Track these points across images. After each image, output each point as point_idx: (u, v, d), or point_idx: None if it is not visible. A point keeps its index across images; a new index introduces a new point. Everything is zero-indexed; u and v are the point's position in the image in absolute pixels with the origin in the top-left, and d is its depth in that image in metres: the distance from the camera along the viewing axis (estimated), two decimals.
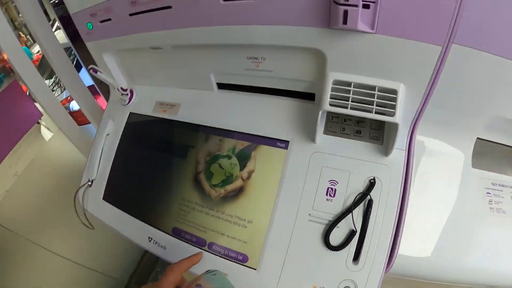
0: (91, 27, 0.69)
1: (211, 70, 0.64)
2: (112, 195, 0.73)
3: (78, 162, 1.10)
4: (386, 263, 0.51)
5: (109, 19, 0.64)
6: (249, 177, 0.57)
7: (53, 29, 1.13)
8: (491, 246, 0.56)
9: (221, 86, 0.66)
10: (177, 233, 0.63)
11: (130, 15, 0.60)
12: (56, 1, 1.04)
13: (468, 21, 0.43)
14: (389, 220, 0.51)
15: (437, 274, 0.56)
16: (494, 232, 0.57)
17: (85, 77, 1.09)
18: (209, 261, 0.58)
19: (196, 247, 0.60)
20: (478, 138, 0.60)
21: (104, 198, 0.74)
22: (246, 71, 0.58)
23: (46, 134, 1.43)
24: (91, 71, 0.74)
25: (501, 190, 0.62)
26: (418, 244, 0.55)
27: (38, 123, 1.37)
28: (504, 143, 0.64)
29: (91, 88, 1.09)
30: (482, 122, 0.56)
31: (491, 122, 0.56)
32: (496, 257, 0.56)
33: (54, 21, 2.36)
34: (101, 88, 1.08)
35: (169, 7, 0.55)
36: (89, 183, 0.77)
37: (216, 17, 0.53)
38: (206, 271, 0.47)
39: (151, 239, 0.65)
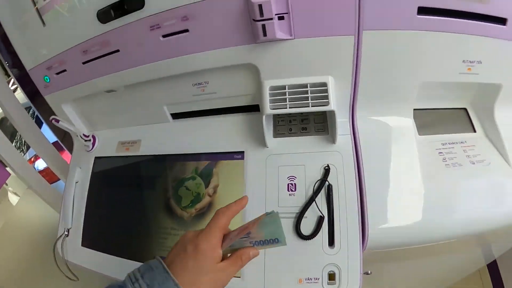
0: (48, 80, 0.74)
1: (163, 102, 0.69)
2: (91, 240, 0.75)
3: (50, 220, 1.09)
4: (361, 240, 0.55)
5: (64, 70, 0.69)
6: (215, 192, 0.61)
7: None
8: (460, 196, 0.61)
9: (176, 116, 0.72)
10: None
11: (83, 63, 0.66)
12: (9, 63, 1.06)
13: (370, 8, 0.51)
14: (352, 200, 0.57)
15: (422, 237, 0.60)
16: (457, 183, 0.62)
17: (48, 134, 1.10)
18: None
19: None
20: (416, 109, 0.66)
21: (83, 245, 0.75)
22: (193, 97, 0.65)
23: (13, 199, 1.41)
24: (53, 121, 0.77)
25: (452, 147, 0.69)
26: (392, 213, 0.59)
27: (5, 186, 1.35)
28: (441, 107, 0.71)
29: (55, 144, 1.10)
30: (413, 92, 0.62)
31: (422, 91, 0.63)
32: (468, 204, 0.61)
33: (8, 82, 2.34)
34: (64, 143, 1.09)
35: (117, 51, 0.61)
36: (66, 233, 0.78)
37: (158, 53, 0.59)
38: (264, 214, 0.43)
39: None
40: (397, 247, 0.60)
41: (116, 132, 0.78)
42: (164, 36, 0.57)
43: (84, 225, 0.76)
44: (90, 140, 0.81)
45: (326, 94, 0.55)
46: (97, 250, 0.72)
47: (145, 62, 0.61)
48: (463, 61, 0.60)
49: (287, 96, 0.56)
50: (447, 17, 0.54)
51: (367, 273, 0.79)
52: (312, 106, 0.55)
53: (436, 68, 0.60)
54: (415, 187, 0.60)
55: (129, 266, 0.68)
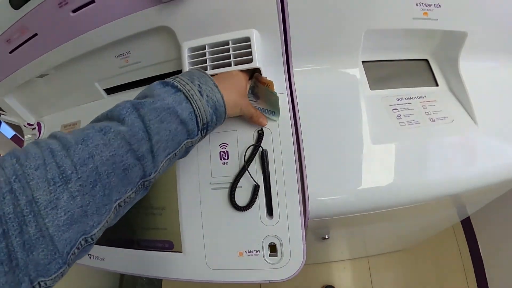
0: None
1: (93, 78, 0.67)
2: None
3: None
4: (302, 209, 0.52)
5: None
6: None
7: None
8: (414, 156, 0.56)
9: (109, 91, 0.70)
10: (108, 242, 0.64)
11: (10, 52, 0.65)
12: None
13: None
14: (290, 166, 0.53)
15: (367, 203, 0.55)
16: (413, 142, 0.57)
17: (5, 131, 1.11)
18: (142, 257, 0.60)
19: (127, 248, 0.61)
20: (368, 61, 0.61)
21: None
22: (120, 69, 0.62)
23: None
24: None
25: (409, 103, 0.63)
26: (337, 179, 0.54)
27: None
28: (398, 58, 0.66)
29: (14, 138, 1.10)
30: (358, 40, 0.57)
31: (369, 41, 0.58)
32: (423, 165, 0.56)
33: None
34: (22, 134, 1.09)
35: (36, 34, 0.60)
36: None
37: (73, 29, 0.57)
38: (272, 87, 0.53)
39: (90, 255, 0.66)
40: (343, 215, 0.56)
41: (59, 115, 0.77)
42: (73, 11, 0.54)
43: None
44: (35, 127, 0.80)
45: (250, 50, 0.51)
46: None
47: (63, 41, 0.59)
48: (417, 4, 0.54)
49: (207, 56, 0.52)
50: None
51: (324, 238, 0.76)
52: (235, 65, 0.51)
53: (383, 13, 0.54)
54: (361, 149, 0.55)
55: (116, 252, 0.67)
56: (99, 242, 0.62)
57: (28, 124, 0.79)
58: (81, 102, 0.73)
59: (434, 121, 0.61)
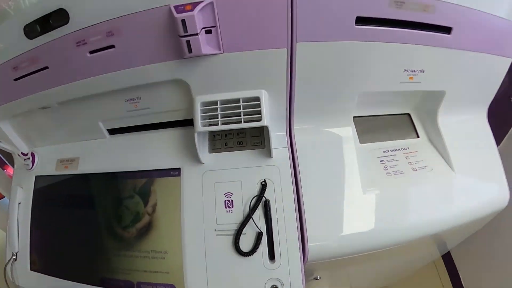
0: None
1: (98, 118, 0.68)
2: (38, 263, 0.73)
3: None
4: (301, 253, 0.56)
5: None
6: (154, 210, 0.61)
7: None
8: (401, 204, 0.63)
9: (112, 131, 0.71)
10: (106, 283, 0.65)
11: (15, 80, 0.64)
12: None
13: (304, 19, 0.51)
14: (290, 214, 0.58)
15: (362, 245, 0.62)
16: (398, 192, 0.64)
17: None
18: None
19: None
20: (357, 116, 0.68)
21: (32, 269, 0.74)
22: (128, 112, 0.64)
23: None
24: None
25: (394, 154, 0.71)
26: (332, 225, 0.60)
27: None
28: (384, 114, 0.73)
29: None
30: (352, 102, 0.64)
31: (363, 100, 0.64)
32: (408, 211, 0.63)
33: None
34: (7, 158, 1.05)
35: (47, 67, 0.60)
36: (14, 257, 0.76)
37: (87, 69, 0.58)
38: None
39: None
40: (338, 257, 0.62)
41: (55, 149, 0.76)
42: (91, 52, 0.56)
43: (31, 248, 0.74)
44: (29, 158, 0.78)
45: (259, 109, 0.55)
46: (46, 274, 0.71)
47: (75, 79, 0.60)
48: (405, 70, 0.62)
49: (219, 112, 0.55)
50: (388, 27, 0.55)
51: (316, 278, 0.81)
52: (244, 122, 0.55)
53: (376, 78, 0.62)
54: (354, 197, 0.62)
55: None
56: (94, 283, 0.63)
57: (23, 153, 0.77)
58: (81, 138, 0.73)
59: (416, 170, 0.69)
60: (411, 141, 0.73)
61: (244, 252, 0.56)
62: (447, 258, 1.42)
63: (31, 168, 0.79)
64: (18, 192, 0.78)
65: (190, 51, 0.51)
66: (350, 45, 0.55)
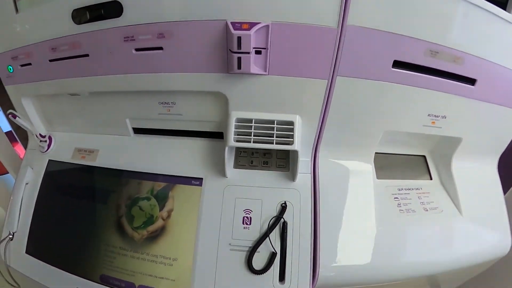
0: (11, 70, 0.70)
1: (126, 115, 0.68)
2: (35, 248, 0.71)
3: None
4: (311, 277, 0.57)
5: (30, 64, 0.66)
6: (169, 216, 0.60)
7: None
8: (411, 241, 0.65)
9: (137, 130, 0.71)
10: (105, 281, 0.63)
11: (50, 61, 0.63)
12: None
13: (348, 56, 0.53)
14: (306, 238, 0.59)
15: (370, 277, 0.63)
16: (409, 229, 0.66)
17: (3, 123, 1.04)
18: None
19: None
20: (376, 152, 0.69)
21: (27, 252, 0.72)
22: (158, 115, 0.64)
23: None
24: (10, 116, 0.73)
25: (408, 193, 0.73)
26: (344, 254, 0.61)
27: None
28: (401, 153, 0.75)
29: (8, 134, 1.04)
30: (376, 139, 0.66)
31: (385, 137, 0.66)
32: (419, 249, 0.65)
33: None
34: (19, 134, 1.03)
35: (87, 55, 0.60)
36: (10, 236, 0.74)
37: (129, 65, 0.58)
38: None
39: None
40: (346, 286, 0.63)
41: (74, 137, 0.76)
42: (137, 49, 0.56)
43: (30, 231, 0.72)
44: (46, 141, 0.77)
45: (292, 133, 0.56)
46: (41, 260, 0.69)
47: (114, 73, 0.60)
48: (429, 114, 0.64)
49: (252, 130, 0.56)
50: (420, 73, 0.57)
51: None
52: (276, 144, 0.56)
53: (402, 119, 0.64)
54: (368, 230, 0.63)
55: (72, 280, 0.65)
56: (93, 278, 0.61)
57: (40, 135, 0.76)
58: (104, 132, 0.73)
59: (427, 210, 0.71)
60: (424, 182, 0.76)
61: (256, 270, 0.56)
62: None
63: (46, 151, 0.78)
64: (28, 172, 0.77)
65: (239, 67, 0.52)
66: (385, 86, 0.57)
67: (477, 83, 0.62)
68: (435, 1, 0.52)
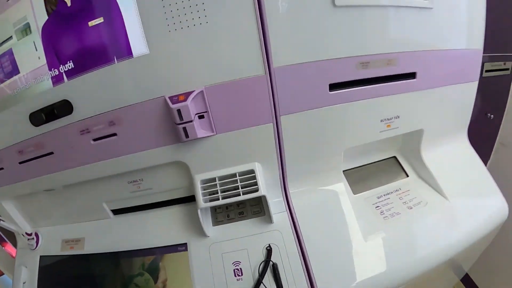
0: None
1: (102, 200, 0.70)
2: None
3: None
4: None
5: (2, 168, 0.68)
6: (164, 286, 0.61)
7: None
8: (404, 242, 0.65)
9: (116, 211, 0.73)
10: None
11: (20, 163, 0.65)
12: None
13: (284, 96, 0.56)
14: (299, 273, 0.60)
15: (386, 284, 0.62)
16: (398, 232, 0.66)
17: None
18: None
19: None
20: (345, 170, 0.71)
21: None
22: (131, 193, 0.66)
23: None
24: None
25: (388, 198, 0.73)
26: (341, 279, 0.61)
27: None
28: (369, 162, 0.77)
29: None
30: (338, 159, 0.68)
31: (349, 153, 0.68)
32: (411, 248, 0.65)
33: None
34: (6, 234, 1.04)
35: (51, 153, 0.62)
36: None
37: (90, 155, 0.61)
38: None
39: None
40: None
41: (59, 229, 0.77)
42: (94, 139, 0.59)
43: None
44: (33, 238, 0.78)
45: (255, 180, 0.58)
46: None
47: (79, 165, 0.62)
48: (381, 120, 0.66)
49: (218, 188, 0.58)
50: (359, 86, 0.60)
51: None
52: (243, 194, 0.58)
53: (356, 133, 0.66)
54: (358, 247, 0.63)
55: None
56: None
57: (27, 233, 0.77)
58: (85, 219, 0.74)
59: (411, 208, 0.71)
60: (401, 182, 0.77)
61: None
62: (466, 280, 1.40)
63: (35, 248, 0.78)
64: (22, 271, 0.77)
65: (187, 136, 0.54)
66: (327, 110, 0.60)
67: (417, 75, 0.63)
68: (347, 16, 0.54)
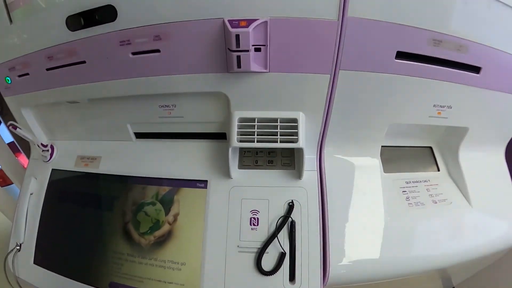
0: (9, 81, 0.69)
1: (127, 120, 0.67)
2: (43, 258, 0.70)
3: (2, 226, 1.01)
4: (322, 276, 0.56)
5: (27, 74, 0.65)
6: (175, 220, 0.59)
7: None
8: (421, 235, 0.63)
9: (139, 135, 0.69)
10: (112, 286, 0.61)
11: (47, 69, 0.62)
12: None
13: (350, 49, 0.51)
14: (315, 237, 0.57)
15: (382, 273, 0.61)
16: (419, 222, 0.64)
17: (4, 134, 1.03)
18: None
19: None
20: (382, 146, 0.67)
21: (35, 262, 0.71)
22: (159, 118, 0.62)
23: None
24: (10, 127, 0.72)
25: (416, 186, 0.71)
26: (354, 251, 0.59)
27: None
28: (408, 145, 0.73)
29: (11, 145, 1.03)
30: (382, 132, 0.64)
31: (390, 130, 0.64)
32: (430, 242, 0.63)
33: None
34: (21, 145, 1.02)
35: (84, 62, 0.58)
36: (18, 247, 0.73)
37: (126, 70, 0.57)
38: None
39: None
40: (357, 283, 0.61)
41: (76, 144, 0.74)
42: (134, 53, 0.54)
43: (37, 241, 0.71)
44: (48, 150, 0.76)
45: (296, 130, 0.54)
46: (50, 270, 0.68)
47: (112, 78, 0.58)
48: (434, 105, 0.62)
49: (255, 129, 0.55)
50: (424, 63, 0.55)
51: None
52: (280, 142, 0.54)
53: (407, 111, 0.62)
54: (377, 225, 0.61)
55: None
56: (102, 286, 0.60)
57: (42, 144, 0.75)
58: (105, 138, 0.72)
59: (436, 203, 0.69)
60: (431, 174, 0.73)
61: (265, 271, 0.55)
62: None
63: (48, 160, 0.76)
64: (32, 182, 0.76)
65: (239, 66, 0.50)
66: (389, 78, 0.55)
67: (481, 71, 0.59)
68: None
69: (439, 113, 0.64)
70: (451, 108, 0.64)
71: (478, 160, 0.73)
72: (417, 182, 0.71)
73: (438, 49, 0.55)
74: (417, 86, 0.57)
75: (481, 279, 1.12)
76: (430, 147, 0.77)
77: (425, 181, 0.72)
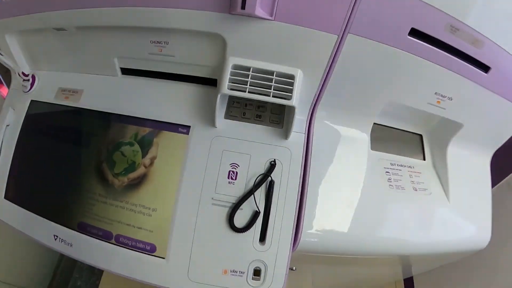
0: None
1: (115, 54, 0.62)
2: (15, 193, 0.67)
3: None
4: (292, 241, 0.54)
5: None
6: (151, 164, 0.56)
7: None
8: (395, 218, 0.63)
9: (125, 71, 0.65)
10: (83, 228, 0.60)
11: None
12: None
13: (364, 13, 0.48)
14: (291, 200, 0.55)
15: (349, 248, 0.61)
16: (396, 205, 0.64)
17: None
18: (117, 255, 0.57)
19: (103, 241, 0.57)
20: (375, 123, 0.66)
21: (6, 197, 0.68)
22: (149, 55, 0.58)
23: None
24: None
25: (400, 169, 0.70)
26: (327, 221, 0.59)
27: None
28: (399, 128, 0.72)
29: None
30: (378, 108, 0.62)
31: (386, 108, 0.63)
32: (401, 228, 0.63)
33: None
34: (4, 76, 0.97)
35: None
36: None
37: None
38: None
39: (57, 237, 0.61)
40: (325, 254, 0.61)
41: (59, 76, 0.70)
42: None
43: (10, 176, 0.68)
44: (29, 80, 0.71)
45: (291, 87, 0.52)
46: (20, 206, 0.65)
47: (103, 5, 0.53)
48: (436, 93, 0.60)
49: (249, 79, 0.52)
50: (436, 47, 0.53)
51: (291, 269, 0.79)
52: (273, 97, 0.52)
53: (408, 92, 0.60)
54: (354, 200, 0.60)
55: (50, 227, 0.62)
56: (71, 226, 0.58)
57: (23, 73, 0.71)
58: (89, 71, 0.67)
59: (416, 190, 0.69)
60: (417, 161, 0.73)
61: (237, 228, 0.53)
62: (409, 283, 1.45)
63: (28, 90, 0.72)
64: (9, 113, 0.72)
65: (243, 7, 0.46)
66: (397, 53, 0.52)
67: (490, 72, 0.57)
68: None
69: (439, 102, 0.62)
70: (451, 100, 0.62)
71: (465, 159, 0.73)
72: (401, 166, 0.70)
73: (453, 37, 0.53)
74: (423, 69, 0.55)
75: (439, 275, 1.15)
76: (421, 135, 0.76)
77: (409, 166, 0.71)
